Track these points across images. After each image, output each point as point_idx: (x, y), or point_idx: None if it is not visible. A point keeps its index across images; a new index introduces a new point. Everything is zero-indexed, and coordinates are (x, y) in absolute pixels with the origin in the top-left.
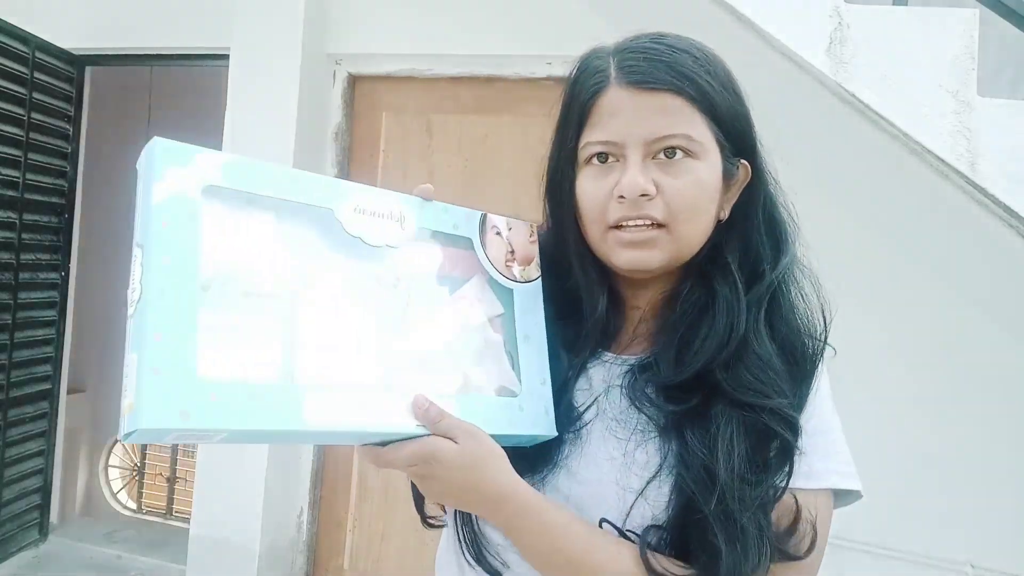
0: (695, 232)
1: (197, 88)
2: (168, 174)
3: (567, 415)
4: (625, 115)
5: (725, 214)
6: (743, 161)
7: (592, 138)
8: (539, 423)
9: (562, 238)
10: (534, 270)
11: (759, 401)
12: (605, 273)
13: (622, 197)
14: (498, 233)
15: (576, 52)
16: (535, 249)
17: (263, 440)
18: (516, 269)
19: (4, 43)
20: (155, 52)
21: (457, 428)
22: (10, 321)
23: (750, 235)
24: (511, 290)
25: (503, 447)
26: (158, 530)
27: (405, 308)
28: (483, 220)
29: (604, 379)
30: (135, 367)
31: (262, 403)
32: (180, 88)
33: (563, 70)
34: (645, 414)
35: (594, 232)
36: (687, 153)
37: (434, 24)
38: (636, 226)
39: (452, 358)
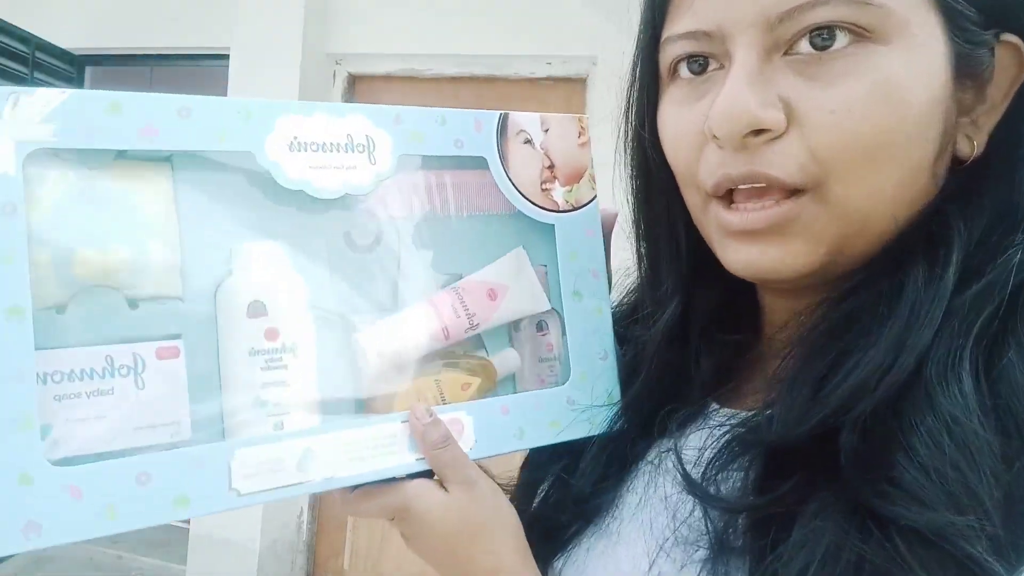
0: (880, 194)
1: (197, 88)
2: None
3: (597, 492)
4: None
5: (976, 147)
6: (1008, 37)
7: (674, 29)
8: (600, 418)
9: (643, 206)
10: (586, 189)
11: (904, 511)
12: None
13: (716, 137)
14: (528, 141)
15: (576, 52)
16: (587, 156)
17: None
18: (559, 192)
19: (4, 43)
20: (155, 52)
21: (456, 469)
22: None
23: (1012, 182)
24: (551, 225)
25: (558, 448)
26: (158, 530)
27: (395, 280)
28: (502, 124)
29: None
30: None
31: (160, 485)
32: (180, 88)
33: (563, 70)
34: (700, 511)
35: (690, 201)
36: (858, 35)
37: (435, 24)
38: (752, 200)
39: (465, 345)
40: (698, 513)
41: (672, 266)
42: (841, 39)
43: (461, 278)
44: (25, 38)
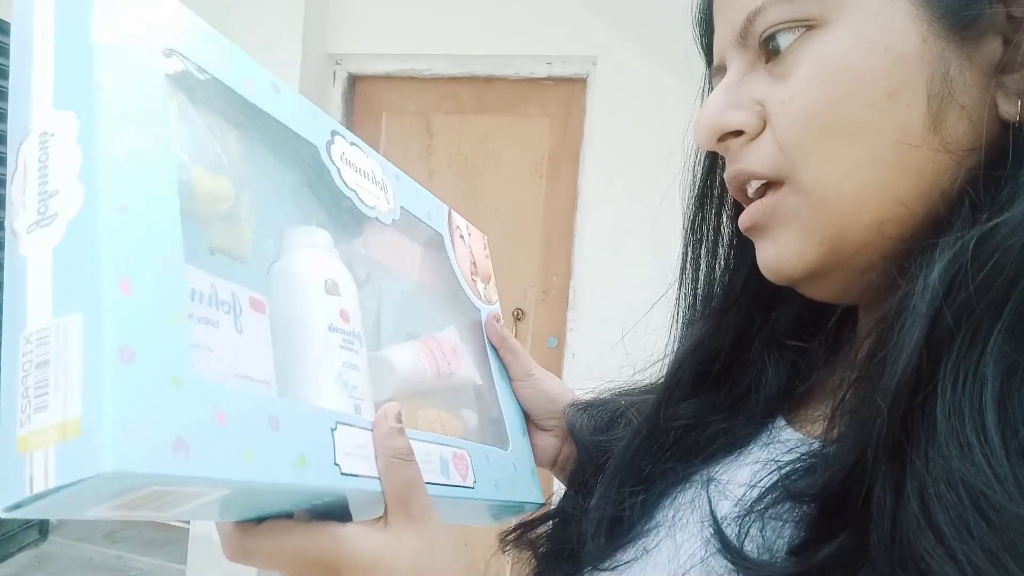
0: (854, 172)
1: None
2: (110, 7)
3: (617, 523)
4: (718, 12)
5: (1011, 110)
6: None
7: (713, 68)
8: (531, 486)
9: None
10: (493, 292)
11: None
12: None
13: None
14: (461, 236)
15: (576, 52)
16: (490, 266)
17: (256, 508)
18: (480, 286)
19: (4, 43)
20: None
21: (414, 491)
22: None
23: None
24: (479, 310)
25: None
26: (158, 530)
27: (377, 315)
28: (449, 217)
29: (751, 473)
30: (76, 344)
31: (287, 437)
32: None
33: (563, 70)
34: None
35: None
36: (802, 27)
37: (434, 24)
38: (749, 199)
39: (443, 393)
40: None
41: (724, 281)
42: (786, 38)
43: (417, 336)
44: None
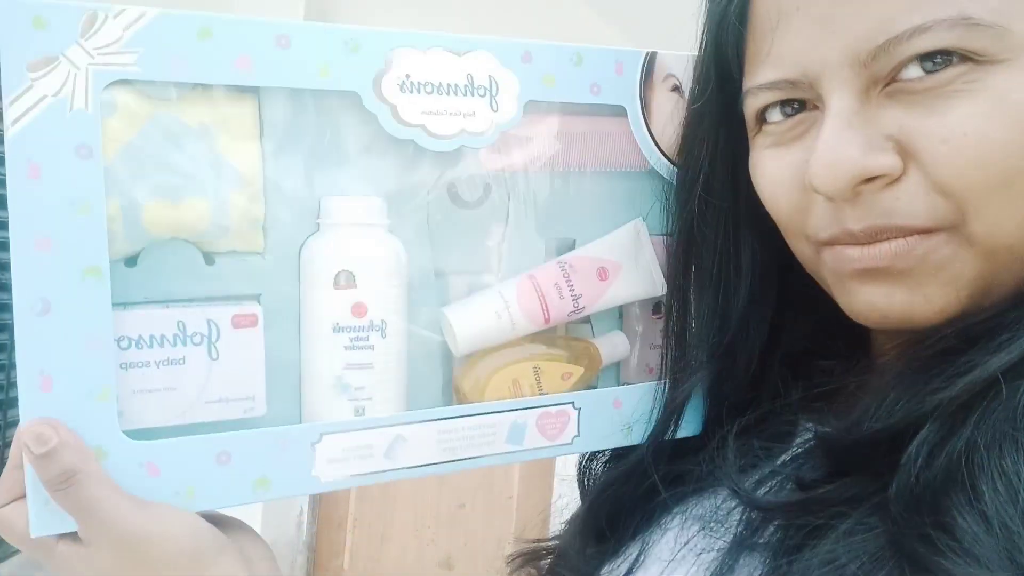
0: (1022, 223)
1: None
2: (25, 76)
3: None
4: (805, 14)
5: None
6: None
7: (755, 81)
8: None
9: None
10: None
11: (949, 565)
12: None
13: (821, 193)
14: (676, 88)
15: None
16: None
17: None
18: None
19: None
20: None
21: (86, 513)
22: (10, 321)
23: None
24: None
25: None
26: None
27: (500, 240)
28: (648, 66)
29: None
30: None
31: (241, 466)
32: None
33: None
34: (738, 514)
35: (798, 248)
36: (969, 58)
37: (434, 24)
38: (878, 242)
39: (566, 331)
40: (734, 516)
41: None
42: (955, 62)
43: (574, 245)
44: None
